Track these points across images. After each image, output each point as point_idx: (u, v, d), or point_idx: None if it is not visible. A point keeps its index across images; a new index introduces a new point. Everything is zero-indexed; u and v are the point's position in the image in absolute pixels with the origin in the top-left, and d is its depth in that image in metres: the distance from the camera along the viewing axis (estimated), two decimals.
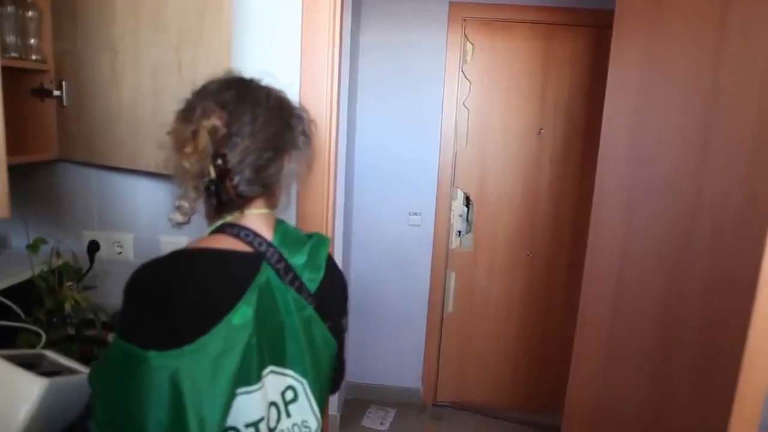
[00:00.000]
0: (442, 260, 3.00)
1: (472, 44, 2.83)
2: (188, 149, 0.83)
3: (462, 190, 2.97)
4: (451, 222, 3.00)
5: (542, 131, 2.88)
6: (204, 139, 0.82)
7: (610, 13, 1.61)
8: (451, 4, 2.78)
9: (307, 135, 0.95)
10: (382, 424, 2.91)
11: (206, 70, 1.22)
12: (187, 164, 0.83)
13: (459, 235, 3.02)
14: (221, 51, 1.25)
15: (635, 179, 1.33)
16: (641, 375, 1.22)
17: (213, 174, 0.83)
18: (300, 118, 0.94)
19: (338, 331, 0.99)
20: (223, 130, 0.83)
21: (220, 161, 0.82)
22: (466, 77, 2.86)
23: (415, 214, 2.97)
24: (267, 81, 0.93)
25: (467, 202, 2.99)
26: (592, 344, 1.56)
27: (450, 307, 3.07)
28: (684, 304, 1.04)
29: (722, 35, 0.96)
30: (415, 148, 2.91)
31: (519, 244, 2.98)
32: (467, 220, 3.00)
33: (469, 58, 2.85)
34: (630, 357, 1.30)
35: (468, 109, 2.89)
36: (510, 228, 2.97)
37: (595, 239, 1.58)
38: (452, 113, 2.88)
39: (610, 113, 1.52)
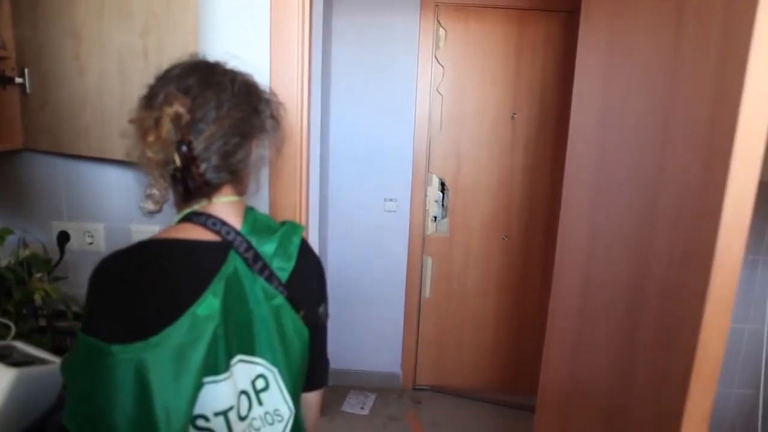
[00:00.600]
0: (419, 245, 3.02)
1: (445, 30, 2.83)
2: (151, 138, 0.81)
3: (437, 175, 2.99)
4: (427, 208, 3.02)
5: (516, 116, 2.90)
6: (167, 126, 0.80)
7: None
8: None
9: (275, 118, 0.94)
10: (362, 408, 2.94)
11: (173, 55, 1.19)
12: (150, 153, 0.81)
13: (435, 221, 3.04)
14: (188, 35, 1.24)
15: (603, 159, 1.36)
16: (608, 353, 1.26)
17: (178, 162, 0.81)
18: (268, 101, 0.93)
19: (314, 320, 0.98)
20: (186, 117, 0.81)
21: (185, 148, 0.81)
22: (439, 63, 2.86)
23: (391, 200, 2.98)
24: (233, 63, 0.92)
25: (442, 187, 3.01)
26: (564, 326, 1.59)
27: (427, 292, 3.10)
28: (647, 278, 1.07)
29: (680, 17, 0.99)
30: (389, 134, 2.91)
31: (494, 228, 3.02)
32: (443, 205, 3.02)
33: (442, 44, 2.85)
34: (598, 336, 1.34)
35: (441, 95, 2.90)
36: (486, 212, 3.01)
37: (566, 222, 1.61)
38: (426, 99, 2.88)
39: (579, 96, 1.54)
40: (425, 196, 2.99)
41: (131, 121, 0.85)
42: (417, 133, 2.91)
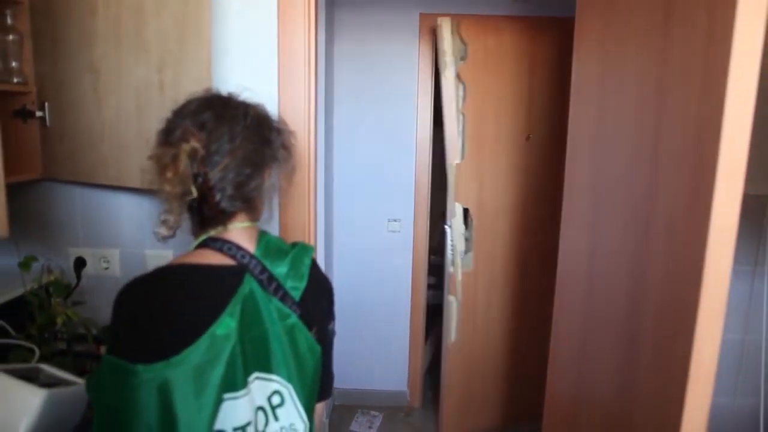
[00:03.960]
0: (422, 261, 3.06)
1: (465, 44, 2.77)
2: (169, 173, 0.87)
3: (461, 204, 2.74)
4: (453, 243, 2.73)
5: (530, 137, 2.75)
6: (184, 162, 0.86)
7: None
8: (421, 15, 2.86)
9: (286, 148, 0.99)
10: (370, 428, 2.95)
11: (188, 88, 1.25)
12: (168, 187, 0.87)
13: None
14: (202, 70, 1.30)
15: (599, 179, 1.41)
16: (610, 367, 1.29)
17: (195, 193, 0.87)
18: (279, 132, 0.98)
19: (325, 337, 1.03)
20: (202, 152, 0.87)
21: (201, 180, 0.87)
22: (461, 81, 2.78)
23: (394, 220, 3.03)
24: (246, 95, 0.98)
25: (465, 218, 2.76)
26: (567, 342, 1.63)
27: (453, 335, 2.81)
28: (644, 293, 1.12)
29: (666, 46, 1.05)
30: (391, 156, 2.98)
31: (515, 256, 2.85)
32: (467, 229, 2.78)
33: (457, 62, 2.77)
34: (600, 351, 1.37)
35: (463, 115, 2.79)
36: (506, 238, 2.83)
37: (566, 239, 1.65)
38: (426, 120, 2.94)
39: (575, 117, 1.60)
40: (427, 214, 3.01)
41: (150, 158, 0.91)
42: (418, 154, 2.97)
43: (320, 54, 2.50)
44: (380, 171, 2.98)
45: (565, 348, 1.65)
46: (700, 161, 0.90)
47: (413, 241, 3.04)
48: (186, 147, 0.87)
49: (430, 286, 3.47)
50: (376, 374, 3.16)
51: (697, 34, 0.94)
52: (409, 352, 3.13)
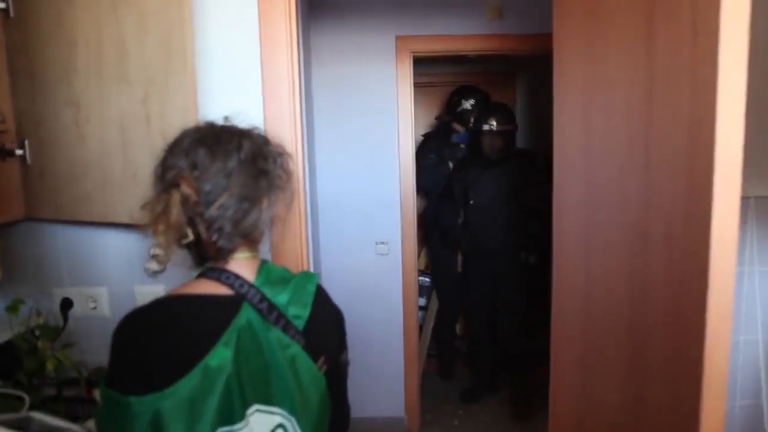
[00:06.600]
0: (412, 284, 3.03)
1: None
2: (161, 226, 0.85)
3: None
4: None
5: None
6: (175, 211, 0.85)
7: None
8: (397, 37, 2.88)
9: (285, 172, 0.97)
10: None
11: (174, 118, 1.25)
12: (162, 238, 0.86)
13: None
14: (188, 99, 1.27)
15: (590, 194, 1.41)
16: (615, 379, 1.29)
17: (191, 236, 0.86)
18: (275, 160, 0.96)
19: (337, 367, 1.00)
20: (194, 198, 0.85)
21: (197, 220, 0.86)
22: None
23: (382, 243, 3.00)
24: (239, 119, 0.96)
25: None
26: (569, 352, 1.62)
27: None
28: (646, 303, 1.11)
29: (650, 51, 1.07)
30: (375, 178, 2.96)
31: None
32: None
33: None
34: (604, 359, 1.37)
35: None
36: None
37: (560, 253, 1.65)
38: (408, 141, 2.95)
39: (560, 133, 1.61)
40: (415, 235, 3.00)
41: (143, 207, 0.89)
42: (402, 175, 2.96)
43: (301, 78, 2.50)
44: (365, 194, 2.97)
45: (567, 363, 1.63)
46: (695, 166, 0.91)
47: (402, 263, 3.01)
48: (176, 195, 0.85)
49: (420, 308, 3.50)
50: (373, 401, 3.10)
51: (682, 36, 0.95)
52: (405, 376, 3.08)
